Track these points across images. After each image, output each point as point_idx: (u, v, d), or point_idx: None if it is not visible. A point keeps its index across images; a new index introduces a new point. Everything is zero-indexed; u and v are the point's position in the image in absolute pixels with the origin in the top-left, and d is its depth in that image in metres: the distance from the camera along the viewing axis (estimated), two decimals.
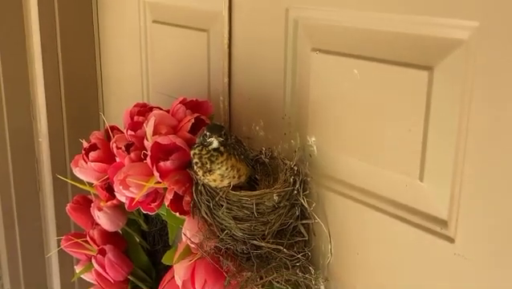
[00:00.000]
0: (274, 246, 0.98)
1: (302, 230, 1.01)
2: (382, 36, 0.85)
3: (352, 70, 0.90)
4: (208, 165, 0.97)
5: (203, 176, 0.98)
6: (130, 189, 1.03)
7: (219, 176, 0.97)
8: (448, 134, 0.78)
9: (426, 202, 0.84)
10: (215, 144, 0.96)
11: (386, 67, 0.85)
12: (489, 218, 0.75)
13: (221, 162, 0.96)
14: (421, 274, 0.86)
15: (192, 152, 0.99)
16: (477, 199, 0.76)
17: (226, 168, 0.97)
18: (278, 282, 0.98)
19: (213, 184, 0.98)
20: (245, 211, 0.96)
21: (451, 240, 0.80)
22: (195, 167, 0.99)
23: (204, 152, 0.97)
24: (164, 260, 1.09)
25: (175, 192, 1.01)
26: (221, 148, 0.97)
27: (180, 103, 1.13)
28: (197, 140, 0.99)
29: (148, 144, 1.05)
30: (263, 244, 0.98)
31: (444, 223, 0.81)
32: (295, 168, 0.99)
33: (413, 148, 0.83)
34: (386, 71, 0.85)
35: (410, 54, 0.82)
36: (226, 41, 1.14)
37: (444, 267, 0.82)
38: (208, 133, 0.96)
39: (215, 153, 0.96)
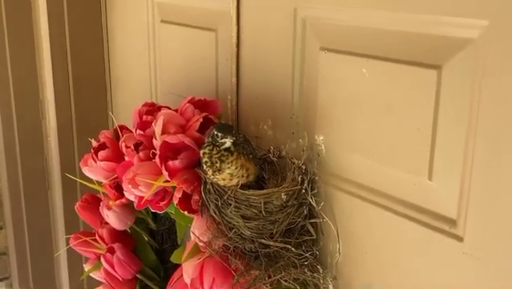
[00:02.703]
0: (282, 245, 0.98)
1: (311, 229, 1.01)
2: (390, 35, 0.85)
3: (361, 69, 0.90)
4: (218, 165, 0.97)
5: (212, 175, 0.98)
6: (139, 187, 1.04)
7: (228, 175, 0.98)
8: (457, 133, 0.78)
9: (435, 201, 0.83)
10: (228, 144, 0.97)
11: (394, 66, 0.85)
12: (498, 217, 0.75)
13: (231, 162, 0.97)
14: (430, 273, 0.86)
15: (201, 152, 0.99)
16: (485, 198, 0.76)
17: (236, 168, 0.97)
18: (286, 280, 0.98)
19: (221, 183, 0.99)
20: (254, 210, 0.97)
21: (460, 239, 0.80)
22: (204, 166, 0.99)
23: (214, 151, 0.97)
24: (173, 259, 1.10)
25: (183, 191, 1.01)
26: (232, 148, 0.97)
27: (188, 102, 1.13)
28: (207, 140, 1.00)
29: (156, 143, 1.06)
30: (271, 243, 0.98)
31: (452, 222, 0.81)
32: (303, 167, 1.00)
33: (422, 147, 0.83)
34: (394, 70, 0.85)
35: (419, 53, 0.82)
36: (234, 40, 1.14)
37: (452, 266, 0.82)
38: (220, 134, 0.97)
39: (225, 153, 0.97)
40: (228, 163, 0.97)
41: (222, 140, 0.97)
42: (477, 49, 0.74)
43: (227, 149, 0.97)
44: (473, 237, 0.79)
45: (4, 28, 1.61)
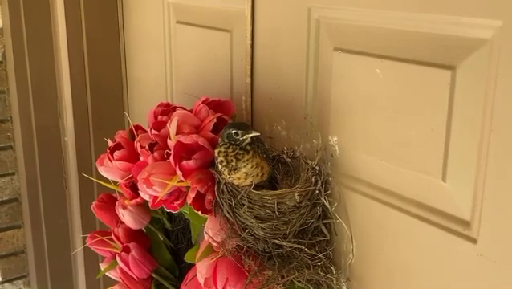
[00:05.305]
0: (295, 246, 0.98)
1: (324, 230, 1.01)
2: (404, 35, 0.85)
3: (374, 69, 0.90)
4: (233, 163, 0.98)
5: (228, 174, 0.99)
6: (153, 187, 1.05)
7: (244, 174, 0.98)
8: (471, 134, 0.78)
9: (449, 203, 0.83)
10: (249, 140, 0.97)
11: (408, 66, 0.85)
12: None
13: (247, 160, 0.97)
14: (444, 275, 0.85)
15: (217, 151, 1.00)
16: (500, 199, 0.75)
17: (251, 166, 0.98)
18: (299, 281, 0.98)
19: (236, 182, 0.99)
20: (267, 210, 0.97)
21: (474, 241, 0.79)
22: (220, 166, 0.99)
23: (230, 150, 0.98)
24: (187, 258, 1.10)
25: (197, 191, 1.02)
26: (247, 147, 0.97)
27: (202, 102, 1.14)
28: (221, 140, 1.00)
29: (171, 143, 1.07)
30: (284, 243, 0.98)
31: (466, 224, 0.81)
32: (317, 167, 1.00)
33: (436, 147, 0.82)
34: (408, 70, 0.85)
35: (432, 53, 0.81)
36: (249, 41, 1.14)
37: (467, 268, 0.81)
38: (240, 131, 0.97)
39: (241, 152, 0.97)
40: (244, 161, 0.97)
41: (244, 138, 0.97)
42: (491, 49, 0.73)
43: (243, 148, 0.97)
44: (487, 239, 0.78)
45: (23, 28, 1.63)
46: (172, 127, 1.07)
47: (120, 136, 1.21)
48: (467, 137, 0.78)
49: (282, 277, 0.98)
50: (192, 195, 1.01)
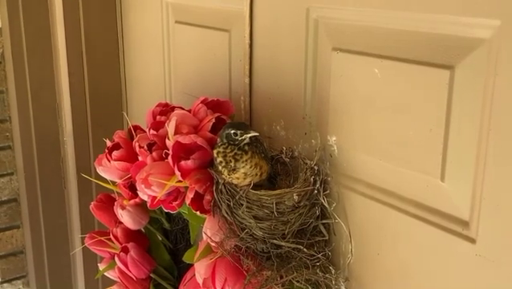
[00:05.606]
0: (294, 246, 0.98)
1: (323, 230, 1.01)
2: (403, 35, 0.85)
3: (373, 69, 0.90)
4: (232, 164, 0.97)
5: (228, 175, 0.98)
6: (152, 187, 1.05)
7: (242, 174, 0.98)
8: (469, 133, 0.78)
9: (447, 203, 0.83)
10: (248, 140, 0.97)
11: (407, 66, 0.85)
12: (511, 219, 0.74)
13: (246, 160, 0.97)
14: (442, 275, 0.85)
15: (215, 151, 1.00)
16: (498, 199, 0.75)
17: (250, 167, 0.98)
18: (298, 281, 0.98)
19: (235, 181, 0.99)
20: (266, 210, 0.97)
21: (472, 241, 0.79)
22: (219, 167, 0.99)
23: (228, 150, 0.98)
24: (185, 258, 1.10)
25: (196, 191, 1.01)
26: (246, 147, 0.97)
27: (201, 102, 1.14)
28: (220, 140, 1.00)
29: (169, 143, 1.06)
30: (283, 243, 0.98)
31: (465, 224, 0.80)
32: (316, 167, 0.99)
33: (434, 147, 0.82)
34: (407, 70, 0.85)
35: (431, 53, 0.81)
36: (247, 41, 1.14)
37: (465, 269, 0.81)
38: (239, 131, 0.97)
39: (239, 152, 0.97)
40: (242, 162, 0.97)
41: (242, 137, 0.97)
42: (490, 49, 0.73)
43: (241, 148, 0.97)
44: (485, 239, 0.78)
45: (21, 29, 1.63)
46: (170, 127, 1.07)
47: (119, 136, 1.21)
48: (466, 137, 0.78)
49: (281, 277, 0.98)
50: (190, 195, 1.01)
